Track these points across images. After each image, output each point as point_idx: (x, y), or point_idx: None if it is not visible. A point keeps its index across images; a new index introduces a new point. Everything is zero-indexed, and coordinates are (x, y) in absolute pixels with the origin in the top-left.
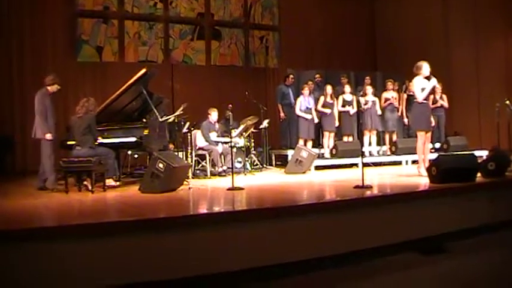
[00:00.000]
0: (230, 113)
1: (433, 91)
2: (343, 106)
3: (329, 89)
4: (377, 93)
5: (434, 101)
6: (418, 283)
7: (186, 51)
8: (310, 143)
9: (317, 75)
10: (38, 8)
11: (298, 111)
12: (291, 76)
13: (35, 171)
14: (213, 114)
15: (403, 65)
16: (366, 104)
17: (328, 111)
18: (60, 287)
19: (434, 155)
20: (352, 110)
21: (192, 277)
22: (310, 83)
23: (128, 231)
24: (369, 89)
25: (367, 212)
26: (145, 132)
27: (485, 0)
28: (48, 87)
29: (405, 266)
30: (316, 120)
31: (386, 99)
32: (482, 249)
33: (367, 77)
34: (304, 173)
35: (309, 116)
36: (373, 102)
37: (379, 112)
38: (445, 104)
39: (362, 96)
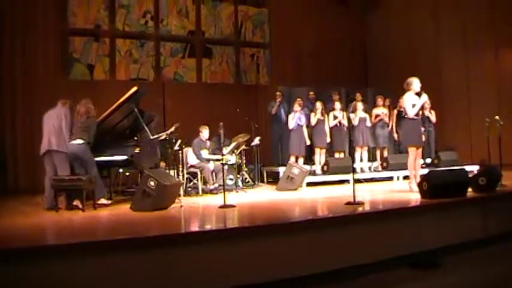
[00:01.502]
0: (221, 131)
1: (422, 107)
2: (333, 123)
3: (319, 105)
4: (368, 109)
5: (422, 116)
6: None
7: (177, 69)
8: (301, 160)
9: (311, 93)
10: (29, 25)
11: (291, 126)
12: (277, 93)
13: (26, 190)
14: (204, 132)
15: (394, 81)
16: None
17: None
18: None
19: (425, 171)
20: (343, 120)
21: None
22: (298, 99)
23: (120, 250)
24: (359, 106)
25: (359, 229)
26: (137, 150)
27: (476, 17)
28: (68, 109)
29: (398, 282)
30: (308, 142)
31: (377, 116)
32: (474, 264)
33: (358, 94)
34: (295, 189)
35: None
36: (364, 119)
37: (368, 124)
38: (433, 118)
39: (352, 112)
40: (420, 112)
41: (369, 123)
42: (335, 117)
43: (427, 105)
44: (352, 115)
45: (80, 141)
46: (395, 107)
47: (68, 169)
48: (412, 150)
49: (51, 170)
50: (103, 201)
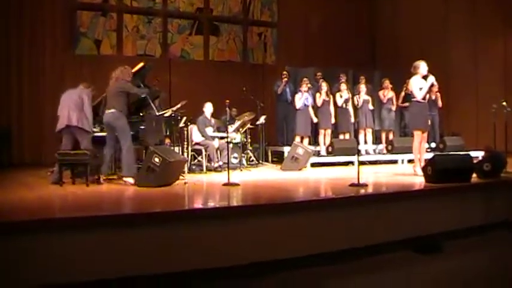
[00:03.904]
0: (232, 109)
1: (430, 89)
2: (341, 103)
3: (324, 86)
4: (374, 92)
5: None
6: (412, 281)
7: (184, 46)
8: (306, 140)
9: (318, 74)
10: None
11: (298, 106)
12: (284, 73)
13: (31, 163)
14: (207, 107)
15: (401, 64)
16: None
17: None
18: (54, 278)
19: (430, 155)
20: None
21: (185, 272)
22: (305, 79)
23: (124, 225)
24: (363, 88)
25: (362, 210)
26: (142, 126)
27: (485, 2)
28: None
29: (400, 265)
30: (315, 120)
31: (383, 97)
32: (476, 249)
33: (362, 77)
34: (300, 170)
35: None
36: (367, 101)
37: (371, 107)
38: (439, 102)
39: (356, 94)
40: (427, 96)
41: (371, 106)
42: (341, 98)
43: (435, 89)
44: (356, 97)
45: (112, 109)
46: (401, 90)
47: (90, 146)
48: (417, 134)
49: (68, 146)
50: (129, 180)
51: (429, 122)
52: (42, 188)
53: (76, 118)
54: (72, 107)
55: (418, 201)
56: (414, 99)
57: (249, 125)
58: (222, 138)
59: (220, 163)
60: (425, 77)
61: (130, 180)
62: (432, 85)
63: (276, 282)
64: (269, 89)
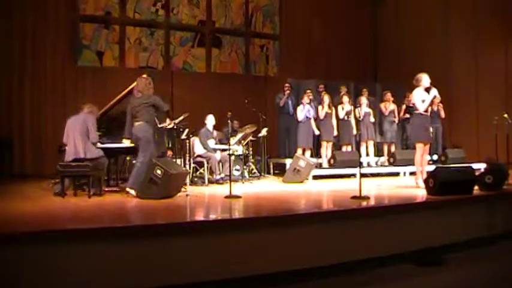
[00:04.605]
0: (234, 121)
1: (432, 101)
2: (342, 116)
3: (326, 98)
4: (376, 104)
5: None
6: None
7: (187, 58)
8: (308, 152)
9: (321, 86)
10: (40, 11)
11: (300, 118)
12: (286, 85)
13: (32, 175)
14: (210, 119)
15: (403, 76)
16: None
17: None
18: None
19: (432, 167)
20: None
21: (185, 284)
22: (308, 91)
23: (125, 237)
24: (364, 100)
25: (364, 223)
26: None
27: (485, 13)
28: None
29: (401, 278)
30: (317, 132)
31: (385, 110)
32: (479, 261)
33: (364, 89)
34: (302, 182)
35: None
36: (368, 113)
37: (372, 120)
38: (442, 113)
39: (357, 106)
40: (429, 108)
41: (373, 119)
42: (343, 110)
43: (437, 100)
44: (357, 109)
45: (140, 121)
46: (403, 103)
47: (106, 161)
48: (419, 147)
49: None
50: (132, 191)
51: (431, 134)
52: (44, 200)
53: (83, 150)
54: (77, 136)
55: (420, 214)
56: (416, 111)
57: (251, 137)
58: (224, 150)
59: (222, 175)
60: (427, 90)
61: (133, 192)
62: (434, 97)
63: None
64: (271, 101)
